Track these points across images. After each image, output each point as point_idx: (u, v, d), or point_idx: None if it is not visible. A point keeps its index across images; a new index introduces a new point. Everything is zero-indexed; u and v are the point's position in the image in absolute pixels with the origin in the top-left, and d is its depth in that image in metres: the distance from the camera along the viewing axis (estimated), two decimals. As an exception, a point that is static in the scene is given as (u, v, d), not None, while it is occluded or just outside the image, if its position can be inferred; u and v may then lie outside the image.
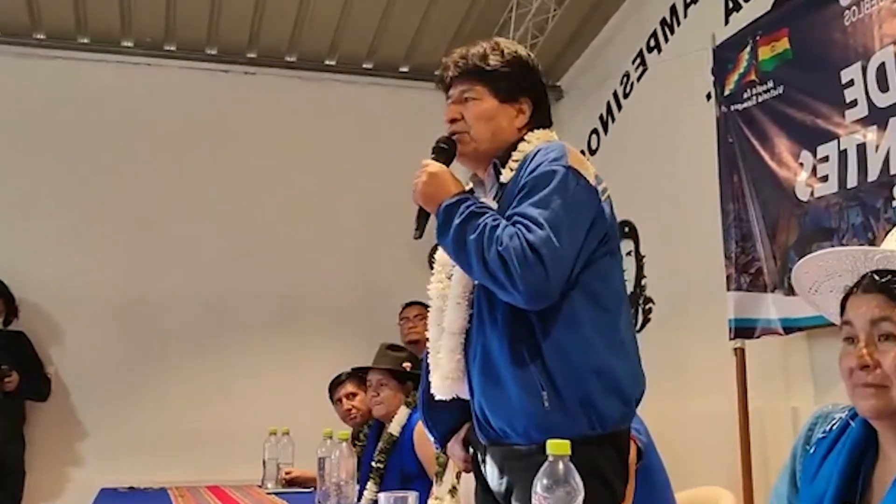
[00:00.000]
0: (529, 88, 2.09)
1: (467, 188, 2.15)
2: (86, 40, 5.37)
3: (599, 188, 1.93)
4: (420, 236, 2.04)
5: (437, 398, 2.07)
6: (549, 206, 1.82)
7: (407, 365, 3.57)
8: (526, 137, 2.04)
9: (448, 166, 2.04)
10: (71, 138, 5.34)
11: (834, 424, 1.49)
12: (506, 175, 2.00)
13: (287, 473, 3.83)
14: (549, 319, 1.86)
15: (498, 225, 1.84)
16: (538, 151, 1.95)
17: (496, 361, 1.90)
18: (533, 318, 1.86)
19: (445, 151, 2.07)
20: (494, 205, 1.98)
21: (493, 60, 2.06)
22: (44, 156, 5.29)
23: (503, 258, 1.79)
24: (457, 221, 1.88)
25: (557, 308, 1.85)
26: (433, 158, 2.05)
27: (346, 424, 4.03)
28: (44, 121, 5.31)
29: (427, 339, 2.13)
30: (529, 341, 1.87)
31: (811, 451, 1.50)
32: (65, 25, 5.23)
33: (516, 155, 2.01)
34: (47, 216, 5.26)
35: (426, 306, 4.92)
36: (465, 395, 2.04)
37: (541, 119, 2.10)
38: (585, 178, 1.89)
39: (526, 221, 1.82)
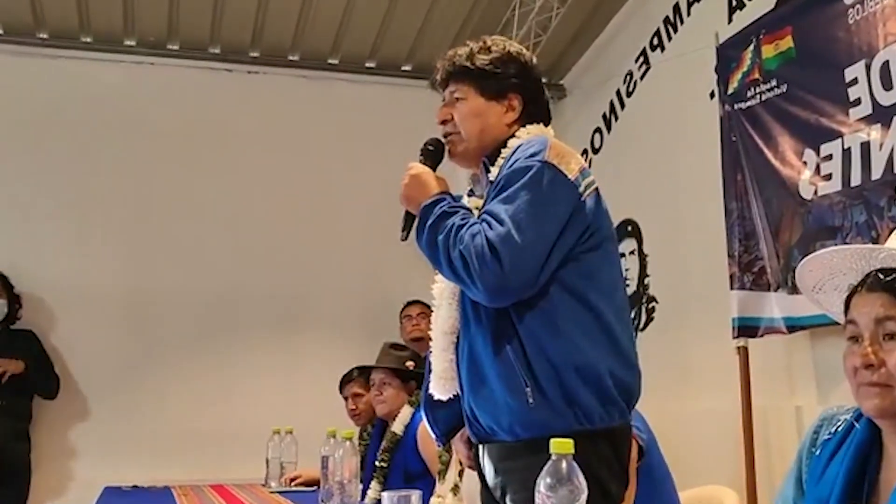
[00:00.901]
0: (519, 84, 2.09)
1: (468, 189, 2.17)
2: (89, 40, 5.37)
3: (583, 182, 1.90)
4: (406, 238, 2.07)
5: (436, 397, 2.08)
6: (515, 202, 1.83)
7: (410, 364, 3.57)
8: (517, 134, 2.04)
9: (435, 168, 2.06)
10: (74, 137, 5.34)
11: (839, 426, 1.48)
12: (493, 172, 2.01)
13: (293, 481, 3.82)
14: (529, 317, 1.86)
15: (465, 224, 1.86)
16: (519, 147, 1.96)
17: (480, 359, 1.92)
18: (514, 316, 1.87)
19: (432, 153, 2.10)
20: (481, 203, 2.00)
21: (479, 59, 2.07)
22: (47, 155, 5.29)
23: (464, 256, 1.82)
24: (429, 222, 1.92)
25: (537, 306, 1.86)
26: (420, 161, 2.07)
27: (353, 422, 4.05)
28: (47, 120, 5.32)
29: (430, 337, 2.14)
30: (512, 339, 1.87)
31: (817, 453, 1.49)
32: (68, 25, 5.23)
33: (504, 151, 2.01)
34: (51, 215, 5.27)
35: (427, 305, 4.91)
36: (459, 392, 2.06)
37: (534, 114, 2.10)
38: (563, 173, 1.88)
39: (489, 218, 1.84)
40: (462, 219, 1.89)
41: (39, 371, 5.01)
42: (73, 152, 5.34)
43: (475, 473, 2.19)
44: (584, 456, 1.60)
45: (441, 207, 1.92)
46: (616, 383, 1.88)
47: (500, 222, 1.81)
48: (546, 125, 2.10)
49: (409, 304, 5.06)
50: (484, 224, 1.84)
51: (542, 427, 1.77)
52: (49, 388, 5.06)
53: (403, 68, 5.86)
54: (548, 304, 1.86)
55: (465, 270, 1.82)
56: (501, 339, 1.88)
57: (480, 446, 2.04)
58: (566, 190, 1.88)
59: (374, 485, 3.41)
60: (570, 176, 1.89)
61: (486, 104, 2.06)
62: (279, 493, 3.63)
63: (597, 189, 1.95)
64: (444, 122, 2.10)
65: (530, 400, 1.83)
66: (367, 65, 5.83)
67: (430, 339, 2.12)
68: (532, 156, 1.89)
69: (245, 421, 5.02)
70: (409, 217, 2.05)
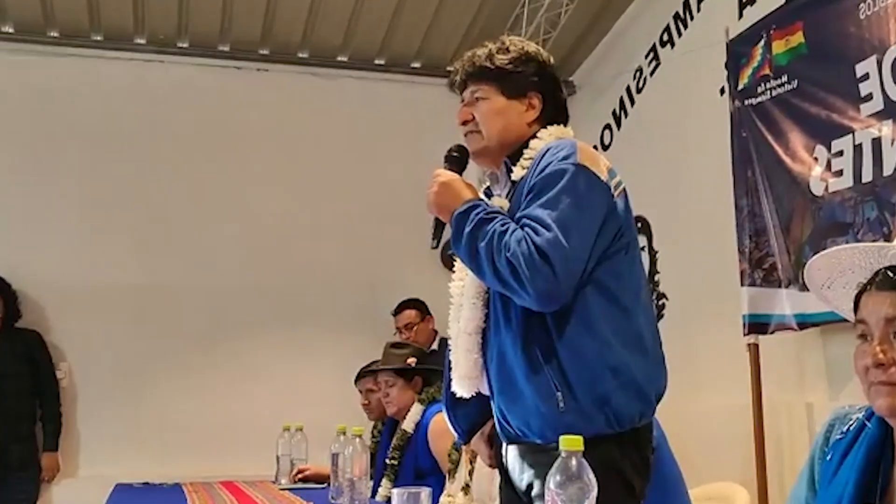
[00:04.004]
0: (538, 83, 2.10)
1: (484, 187, 2.17)
2: (99, 38, 5.39)
3: (612, 183, 1.92)
4: (437, 246, 2.09)
5: (458, 395, 2.08)
6: (558, 207, 1.83)
7: (411, 360, 3.57)
8: (538, 134, 2.05)
9: (461, 174, 2.06)
10: (83, 135, 5.36)
11: (851, 425, 1.47)
12: (517, 173, 2.01)
13: (300, 472, 3.82)
14: (563, 318, 1.85)
15: (506, 230, 1.85)
16: (548, 150, 1.95)
17: (511, 363, 1.91)
18: (547, 317, 1.86)
19: (457, 160, 2.10)
20: (507, 203, 1.99)
21: (499, 59, 2.09)
22: (56, 152, 5.32)
23: (512, 264, 1.80)
24: (467, 230, 1.90)
25: (571, 307, 1.85)
26: (445, 167, 2.08)
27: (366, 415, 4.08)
28: (56, 118, 5.34)
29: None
30: (544, 342, 1.86)
31: (829, 453, 1.48)
32: (78, 23, 5.25)
33: (528, 152, 2.01)
34: (59, 213, 5.29)
35: (416, 305, 4.89)
36: (486, 392, 2.05)
37: (554, 114, 2.11)
38: (596, 175, 1.89)
39: (534, 224, 1.82)
40: (502, 224, 1.87)
41: (40, 377, 5.01)
42: (83, 150, 5.36)
43: (487, 472, 2.19)
44: (611, 455, 1.60)
45: (478, 214, 1.91)
46: (649, 383, 1.90)
47: (547, 227, 1.80)
48: (565, 125, 2.11)
49: (396, 312, 5.04)
50: (527, 229, 1.82)
51: (572, 431, 1.76)
52: (50, 398, 5.03)
53: (413, 65, 5.86)
54: (582, 305, 1.86)
55: (514, 277, 1.80)
56: (532, 342, 1.88)
57: (504, 445, 2.04)
58: (601, 192, 1.89)
59: (384, 482, 3.42)
60: (602, 178, 1.90)
61: (507, 103, 2.07)
62: (289, 489, 3.63)
63: (624, 189, 1.97)
64: (464, 123, 2.11)
65: (561, 404, 1.84)
66: (377, 62, 5.83)
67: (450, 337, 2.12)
68: (564, 159, 1.89)
69: (255, 418, 5.04)
70: (439, 224, 2.05)
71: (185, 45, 5.51)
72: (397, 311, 5.06)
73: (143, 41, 5.45)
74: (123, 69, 5.45)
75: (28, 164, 5.28)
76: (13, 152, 5.27)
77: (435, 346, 4.92)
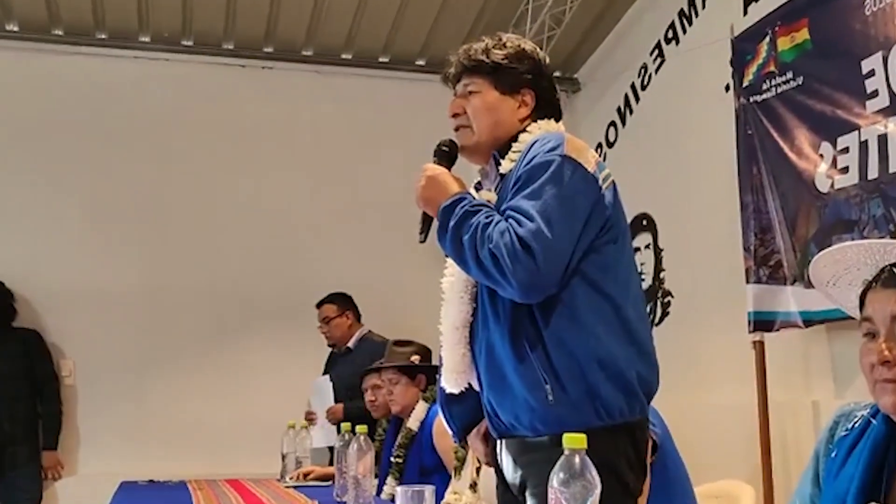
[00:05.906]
0: (532, 80, 2.09)
1: (475, 181, 2.17)
2: (103, 36, 5.38)
3: (600, 176, 1.92)
4: (424, 240, 2.07)
5: (448, 391, 2.09)
6: (542, 197, 1.83)
7: (415, 358, 3.57)
8: (528, 129, 2.05)
9: (450, 169, 2.06)
10: (88, 133, 5.36)
11: (856, 422, 1.47)
12: (505, 166, 2.01)
13: (307, 474, 3.82)
14: (550, 310, 1.85)
15: (490, 222, 1.85)
16: (536, 142, 1.96)
17: (499, 356, 1.92)
18: (535, 310, 1.86)
19: (447, 154, 2.09)
20: (494, 197, 2.00)
21: (495, 54, 2.08)
22: (60, 151, 5.31)
23: (494, 255, 1.80)
24: (452, 223, 1.90)
25: (558, 299, 1.85)
26: (435, 162, 2.07)
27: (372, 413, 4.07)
28: (61, 116, 5.33)
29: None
30: (531, 334, 1.87)
31: (833, 450, 1.48)
32: (83, 21, 5.25)
33: (517, 146, 2.02)
34: (65, 212, 5.29)
35: (336, 300, 4.87)
36: (477, 387, 2.05)
37: (546, 111, 2.11)
38: (583, 167, 1.88)
39: (517, 215, 1.83)
40: (486, 217, 1.87)
41: (37, 376, 5.00)
42: (87, 148, 5.36)
43: (493, 470, 2.19)
44: (603, 450, 1.59)
45: (463, 207, 1.91)
46: (637, 376, 1.88)
47: (530, 218, 1.80)
48: (557, 122, 2.10)
49: (319, 304, 5.03)
50: (511, 221, 1.82)
51: (562, 423, 1.75)
52: (50, 396, 5.04)
53: (417, 63, 5.85)
54: (569, 297, 1.86)
55: (497, 268, 1.80)
56: (520, 336, 1.88)
57: (499, 441, 2.04)
58: (588, 183, 1.89)
59: (389, 480, 3.42)
60: (589, 169, 1.90)
61: (500, 98, 2.07)
62: (294, 487, 3.63)
63: (613, 182, 1.97)
64: (455, 115, 2.11)
65: (550, 397, 1.84)
66: (381, 59, 5.82)
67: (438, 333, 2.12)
68: (551, 150, 1.89)
69: (260, 416, 5.03)
70: (427, 218, 2.05)
71: (190, 43, 5.51)
72: (319, 304, 5.04)
73: (147, 39, 5.45)
74: (127, 67, 5.45)
75: (31, 162, 5.27)
76: (16, 150, 5.27)
77: (351, 344, 4.91)
